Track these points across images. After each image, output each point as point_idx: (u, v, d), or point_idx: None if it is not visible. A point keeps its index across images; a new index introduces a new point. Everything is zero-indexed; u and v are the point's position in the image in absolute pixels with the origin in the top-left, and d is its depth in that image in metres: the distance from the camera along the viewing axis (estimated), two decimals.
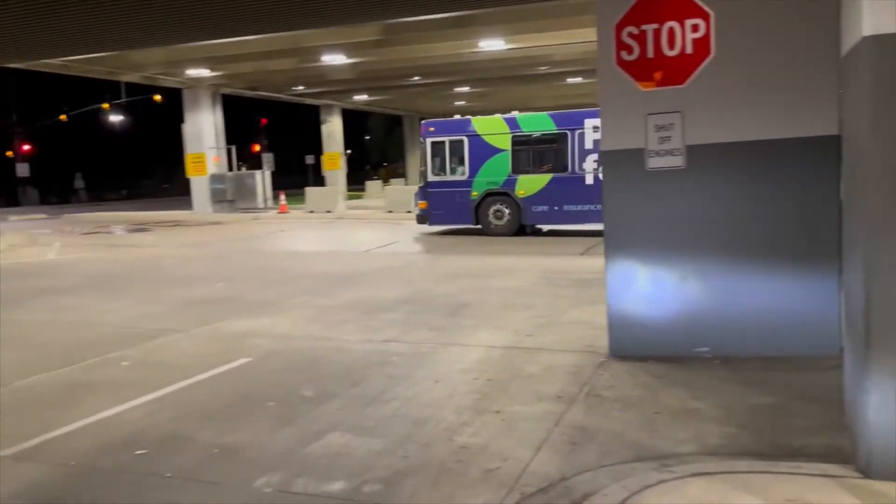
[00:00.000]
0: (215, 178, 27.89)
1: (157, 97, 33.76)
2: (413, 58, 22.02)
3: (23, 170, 37.78)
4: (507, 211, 16.58)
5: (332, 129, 36.04)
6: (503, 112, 18.14)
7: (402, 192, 25.35)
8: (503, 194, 16.53)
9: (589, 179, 15.69)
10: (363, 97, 35.09)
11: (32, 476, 4.11)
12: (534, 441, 4.32)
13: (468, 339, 6.99)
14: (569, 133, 15.95)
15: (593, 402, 4.99)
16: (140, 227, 20.51)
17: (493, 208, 16.68)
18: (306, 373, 6.06)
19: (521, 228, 16.65)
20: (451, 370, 5.97)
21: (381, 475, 3.94)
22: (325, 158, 36.41)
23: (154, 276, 11.86)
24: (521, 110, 19.19)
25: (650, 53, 5.71)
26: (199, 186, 28.10)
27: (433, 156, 17.22)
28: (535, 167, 16.41)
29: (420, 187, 17.77)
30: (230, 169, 28.87)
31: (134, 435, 4.65)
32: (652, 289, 5.94)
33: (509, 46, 20.42)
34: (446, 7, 13.07)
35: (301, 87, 29.80)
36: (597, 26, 5.91)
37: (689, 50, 5.63)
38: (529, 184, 16.29)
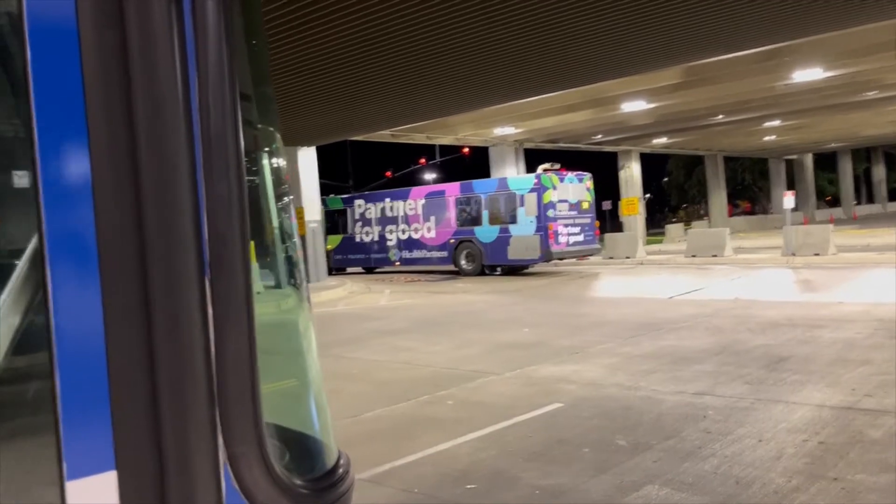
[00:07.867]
0: None
1: (466, 149, 36.84)
2: (716, 96, 21.17)
3: None
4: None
5: (630, 174, 35.90)
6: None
7: (706, 236, 24.15)
8: None
9: (357, 238, 25.08)
10: (662, 140, 34.47)
11: (384, 499, 4.72)
12: None
13: (793, 397, 6.47)
14: (348, 209, 25.48)
15: None
16: (450, 276, 22.44)
17: None
18: (617, 421, 6.11)
19: (331, 271, 25.09)
20: (776, 429, 5.58)
21: None
22: (623, 203, 36.25)
23: (467, 321, 12.83)
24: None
25: None
26: None
27: None
28: (335, 231, 25.67)
29: None
30: None
31: (465, 469, 5.11)
32: None
33: (829, 74, 18.63)
34: (757, 42, 12.47)
35: (599, 136, 30.24)
36: None
37: None
38: (333, 241, 25.61)
